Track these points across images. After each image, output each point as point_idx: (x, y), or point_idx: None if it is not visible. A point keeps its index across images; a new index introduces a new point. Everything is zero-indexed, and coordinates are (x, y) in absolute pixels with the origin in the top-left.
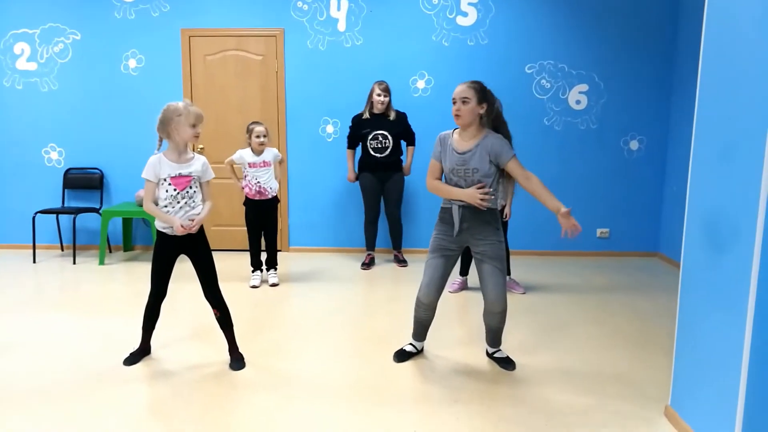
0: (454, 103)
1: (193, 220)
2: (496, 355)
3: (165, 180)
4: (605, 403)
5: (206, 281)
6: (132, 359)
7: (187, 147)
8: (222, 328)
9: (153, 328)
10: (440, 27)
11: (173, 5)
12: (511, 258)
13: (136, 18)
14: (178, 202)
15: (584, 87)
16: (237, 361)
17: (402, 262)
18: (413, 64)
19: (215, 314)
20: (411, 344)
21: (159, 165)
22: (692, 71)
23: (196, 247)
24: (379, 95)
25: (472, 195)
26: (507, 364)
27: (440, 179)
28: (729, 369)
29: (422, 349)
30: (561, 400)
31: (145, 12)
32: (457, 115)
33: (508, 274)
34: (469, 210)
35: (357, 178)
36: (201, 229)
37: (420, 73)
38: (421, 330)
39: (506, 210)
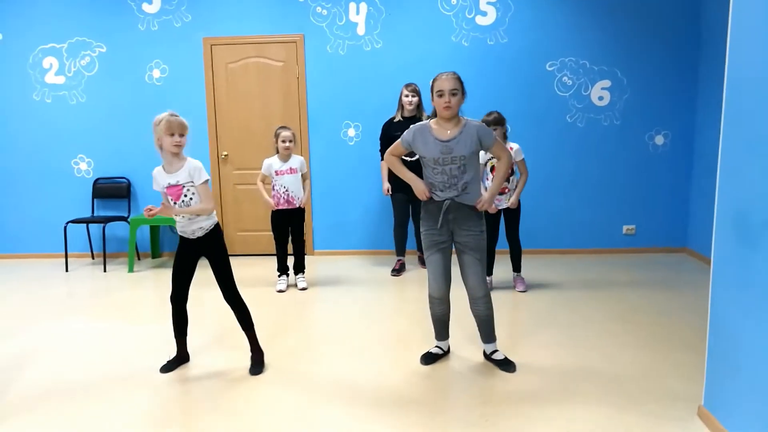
0: (441, 96)
1: (152, 208)
2: (494, 356)
3: (163, 190)
4: (636, 403)
5: (222, 283)
6: (169, 367)
7: (178, 156)
8: (243, 329)
9: (184, 334)
10: (459, 27)
11: (195, 15)
12: (536, 256)
13: (159, 29)
14: None
15: (607, 83)
16: (256, 365)
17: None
18: (433, 65)
19: (236, 315)
20: (437, 346)
21: (158, 177)
22: (716, 61)
23: (210, 249)
24: (407, 96)
25: (419, 187)
26: (507, 365)
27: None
28: (764, 367)
29: (449, 350)
30: (590, 400)
31: (168, 23)
32: (447, 108)
33: (519, 270)
34: (454, 202)
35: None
36: (215, 232)
37: None
38: (441, 328)
39: (513, 199)
